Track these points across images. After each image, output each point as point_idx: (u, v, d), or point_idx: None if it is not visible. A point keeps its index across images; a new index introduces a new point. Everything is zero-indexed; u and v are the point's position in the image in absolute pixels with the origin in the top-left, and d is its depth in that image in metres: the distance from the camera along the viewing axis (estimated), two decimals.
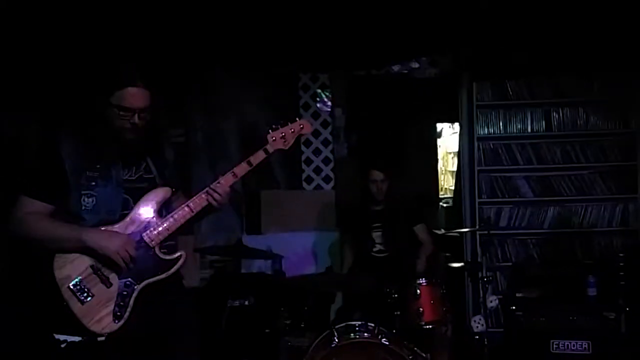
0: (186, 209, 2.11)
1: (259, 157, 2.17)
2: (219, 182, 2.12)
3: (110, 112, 2.02)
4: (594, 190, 4.50)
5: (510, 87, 4.57)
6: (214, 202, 2.11)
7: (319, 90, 4.86)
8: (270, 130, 2.20)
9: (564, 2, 3.86)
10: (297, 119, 2.27)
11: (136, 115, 2.03)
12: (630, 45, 4.16)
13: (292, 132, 2.22)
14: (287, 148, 2.22)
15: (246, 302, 3.35)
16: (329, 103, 4.87)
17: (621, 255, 3.62)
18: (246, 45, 4.24)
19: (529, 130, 4.57)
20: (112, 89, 2.01)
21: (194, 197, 2.12)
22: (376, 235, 3.79)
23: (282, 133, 2.20)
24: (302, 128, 2.25)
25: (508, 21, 4.07)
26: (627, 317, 3.55)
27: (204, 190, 2.12)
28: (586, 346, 3.50)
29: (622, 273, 3.54)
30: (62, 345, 1.98)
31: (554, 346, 3.53)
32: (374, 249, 3.79)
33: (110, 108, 2.01)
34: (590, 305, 3.68)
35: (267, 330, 3.16)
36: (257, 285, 3.58)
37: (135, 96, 2.02)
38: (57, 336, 1.99)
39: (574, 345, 3.52)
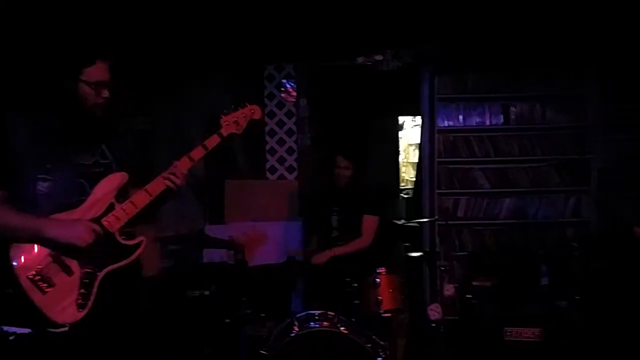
0: (144, 193, 2.12)
1: (213, 140, 2.25)
2: (175, 166, 2.16)
3: (82, 90, 2.04)
4: (549, 182, 4.64)
5: (470, 82, 4.67)
6: (171, 185, 2.15)
7: (284, 81, 4.86)
8: (222, 115, 2.29)
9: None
10: (247, 104, 2.35)
11: (106, 90, 2.07)
12: (585, 43, 4.30)
13: (244, 116, 2.32)
14: (240, 132, 2.32)
15: (206, 292, 3.34)
16: (294, 93, 4.87)
17: (574, 245, 3.76)
18: (211, 34, 4.20)
19: (488, 123, 4.69)
20: (83, 66, 2.03)
21: (152, 181, 2.14)
22: (333, 219, 3.82)
23: (234, 117, 2.30)
24: (253, 113, 2.35)
25: (470, 17, 4.15)
26: (579, 306, 3.68)
27: (162, 174, 2.15)
28: (538, 334, 3.62)
29: (574, 263, 3.67)
30: (11, 338, 1.94)
31: (507, 334, 3.63)
32: (332, 235, 3.82)
33: (83, 86, 2.03)
34: (542, 294, 3.81)
35: (227, 320, 3.16)
36: (219, 275, 3.57)
37: (105, 70, 2.08)
38: (5, 328, 1.95)
39: (526, 333, 3.63)
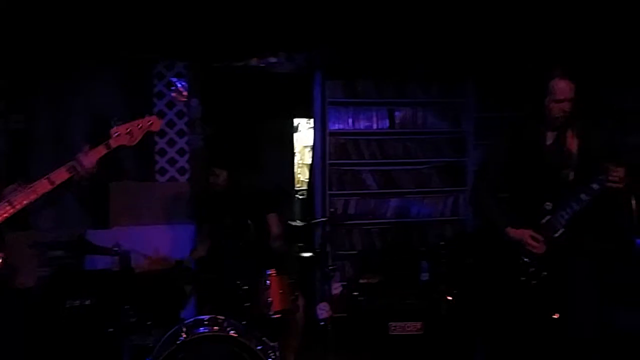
0: (7, 205, 1.96)
1: (98, 152, 2.07)
2: (48, 177, 2.00)
3: None
4: (430, 183, 4.96)
5: (359, 87, 4.86)
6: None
7: (174, 79, 4.72)
8: (114, 125, 2.12)
9: (408, 14, 4.19)
10: (146, 115, 2.20)
11: None
12: (462, 56, 4.64)
13: (140, 127, 2.15)
14: (132, 144, 2.15)
15: (87, 302, 3.19)
16: (185, 93, 4.75)
17: (442, 243, 4.03)
18: (95, 26, 3.99)
19: (375, 127, 4.90)
20: None
21: (19, 193, 1.98)
22: (227, 222, 3.80)
23: (127, 128, 2.13)
24: (150, 125, 2.19)
25: (359, 24, 4.31)
26: (455, 299, 3.93)
27: (30, 187, 1.99)
28: (419, 327, 3.83)
29: (443, 260, 3.94)
30: None
31: (392, 328, 3.82)
32: (225, 238, 3.80)
33: None
34: (422, 289, 4.06)
35: (110, 330, 3.03)
36: (101, 283, 3.41)
37: None
38: None
39: (408, 327, 3.84)
